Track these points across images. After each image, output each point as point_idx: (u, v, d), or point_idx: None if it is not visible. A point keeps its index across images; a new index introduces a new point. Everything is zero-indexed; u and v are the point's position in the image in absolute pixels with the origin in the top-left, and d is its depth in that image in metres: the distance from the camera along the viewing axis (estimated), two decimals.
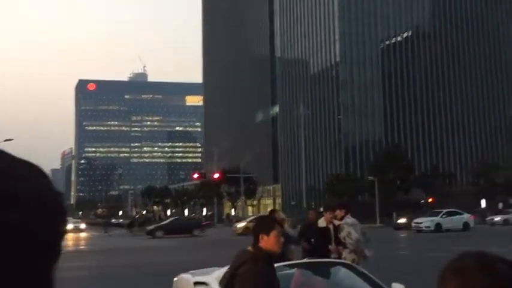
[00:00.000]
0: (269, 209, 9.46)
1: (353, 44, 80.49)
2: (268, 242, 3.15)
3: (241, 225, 38.34)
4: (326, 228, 8.19)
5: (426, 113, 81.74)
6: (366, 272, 5.99)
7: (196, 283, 6.04)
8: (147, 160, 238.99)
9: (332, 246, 7.96)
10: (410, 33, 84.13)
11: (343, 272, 6.07)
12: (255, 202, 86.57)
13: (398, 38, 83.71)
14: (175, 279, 6.86)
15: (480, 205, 65.54)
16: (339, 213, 7.89)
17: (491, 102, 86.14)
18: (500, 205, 64.16)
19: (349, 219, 7.86)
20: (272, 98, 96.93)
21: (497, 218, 44.91)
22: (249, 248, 3.27)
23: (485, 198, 64.08)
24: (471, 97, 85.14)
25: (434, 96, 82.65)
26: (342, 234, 7.68)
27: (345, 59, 79.65)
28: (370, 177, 60.02)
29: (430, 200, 60.68)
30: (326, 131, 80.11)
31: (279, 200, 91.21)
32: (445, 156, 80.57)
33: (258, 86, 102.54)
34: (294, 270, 6.00)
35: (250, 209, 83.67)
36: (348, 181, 62.69)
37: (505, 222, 43.12)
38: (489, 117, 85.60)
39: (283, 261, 7.30)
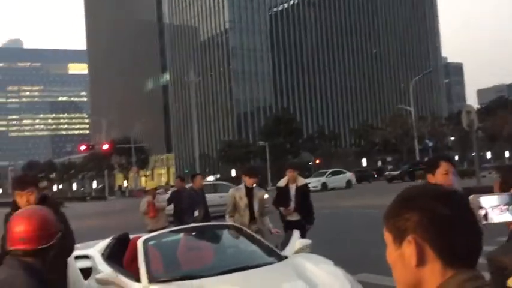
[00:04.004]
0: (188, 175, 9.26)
1: (242, 10, 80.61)
2: (435, 179, 3.56)
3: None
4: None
5: (313, 78, 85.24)
6: (254, 234, 6.08)
7: (77, 257, 5.70)
8: (28, 133, 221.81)
9: None
10: (297, 1, 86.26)
11: (230, 234, 6.11)
12: (148, 172, 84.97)
13: (286, 5, 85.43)
14: None
15: (361, 164, 70.70)
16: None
17: (371, 68, 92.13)
18: (379, 163, 69.84)
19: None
20: (162, 65, 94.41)
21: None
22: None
23: (365, 157, 69.14)
24: (353, 63, 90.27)
25: (320, 62, 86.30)
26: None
27: (234, 26, 79.67)
28: (261, 142, 61.64)
29: (317, 161, 64.12)
30: (218, 98, 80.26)
31: (172, 169, 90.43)
32: (330, 119, 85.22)
33: (147, 53, 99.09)
34: (180, 235, 5.92)
35: (143, 179, 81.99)
36: (240, 147, 63.81)
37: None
38: (369, 82, 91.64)
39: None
